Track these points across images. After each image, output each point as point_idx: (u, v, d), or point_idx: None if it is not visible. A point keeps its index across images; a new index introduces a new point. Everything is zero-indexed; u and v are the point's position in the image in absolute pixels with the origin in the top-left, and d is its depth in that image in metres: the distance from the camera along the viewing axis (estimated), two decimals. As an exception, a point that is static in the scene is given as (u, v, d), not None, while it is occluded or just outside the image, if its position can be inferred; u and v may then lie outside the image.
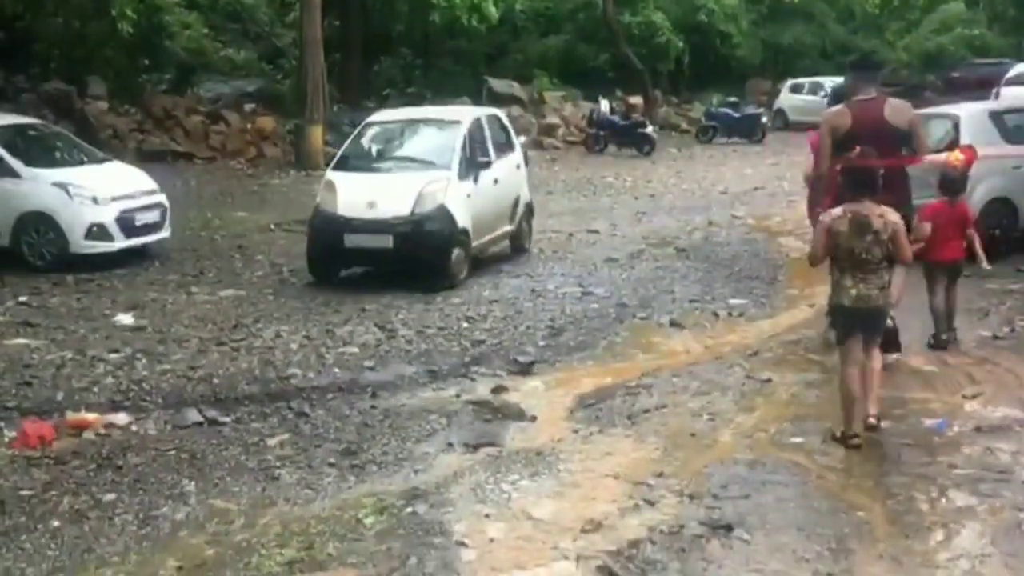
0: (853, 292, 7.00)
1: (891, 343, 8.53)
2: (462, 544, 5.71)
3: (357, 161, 13.69)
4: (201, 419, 7.94)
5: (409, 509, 6.18)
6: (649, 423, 7.71)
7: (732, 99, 36.90)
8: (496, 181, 13.86)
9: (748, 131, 34.29)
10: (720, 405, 8.06)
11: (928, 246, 9.47)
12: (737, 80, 43.96)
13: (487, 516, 6.08)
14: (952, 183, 9.44)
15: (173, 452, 7.29)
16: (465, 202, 12.84)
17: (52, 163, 14.58)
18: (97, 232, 13.67)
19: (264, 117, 28.14)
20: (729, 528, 5.77)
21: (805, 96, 39.68)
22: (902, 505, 6.13)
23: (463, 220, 12.69)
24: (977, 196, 12.59)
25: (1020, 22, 44.26)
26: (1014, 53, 35.97)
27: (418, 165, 13.25)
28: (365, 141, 14.11)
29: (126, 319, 10.98)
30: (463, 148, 13.18)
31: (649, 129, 30.97)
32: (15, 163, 13.87)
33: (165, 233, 14.80)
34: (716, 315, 11.10)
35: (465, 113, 14.91)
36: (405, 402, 8.40)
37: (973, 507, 6.09)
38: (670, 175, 25.39)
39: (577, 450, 7.19)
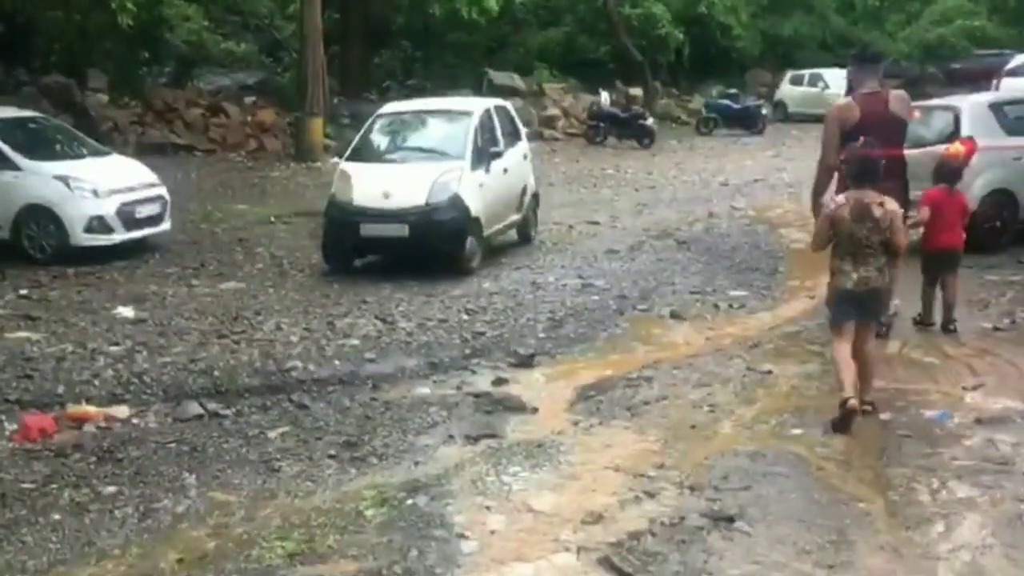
0: (855, 276, 7.22)
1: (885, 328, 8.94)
2: (463, 536, 5.71)
3: (370, 152, 13.89)
4: (202, 412, 7.94)
5: (410, 501, 6.18)
6: (650, 415, 7.72)
7: (732, 91, 36.89)
8: (506, 171, 14.09)
9: (748, 123, 34.25)
10: (721, 397, 8.07)
11: (926, 234, 9.54)
12: (737, 72, 43.96)
13: (488, 508, 6.09)
14: (949, 172, 9.55)
15: (174, 445, 7.29)
16: (478, 191, 13.03)
17: (52, 156, 14.56)
18: (97, 225, 13.66)
19: (264, 109, 28.08)
20: (730, 520, 5.77)
21: (805, 88, 39.69)
22: (903, 496, 6.13)
23: (476, 209, 12.89)
24: (977, 188, 12.60)
25: (1020, 13, 44.27)
26: (1015, 44, 35.92)
27: (431, 155, 13.43)
28: (377, 132, 14.28)
29: (127, 312, 10.97)
30: (475, 138, 13.37)
31: (649, 121, 30.95)
32: (15, 156, 13.84)
33: (166, 226, 14.78)
34: (717, 307, 11.10)
35: (475, 104, 15.04)
36: (406, 394, 8.40)
37: (974, 498, 6.09)
38: (670, 167, 25.37)
39: (578, 442, 7.20)
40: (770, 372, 8.63)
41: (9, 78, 26.30)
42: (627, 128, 30.62)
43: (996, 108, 13.59)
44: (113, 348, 9.57)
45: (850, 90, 9.50)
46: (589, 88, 36.13)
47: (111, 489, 6.51)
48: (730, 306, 11.14)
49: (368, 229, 12.54)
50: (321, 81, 25.11)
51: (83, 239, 13.60)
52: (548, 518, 5.92)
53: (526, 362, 9.21)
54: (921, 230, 9.54)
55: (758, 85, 42.70)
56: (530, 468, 6.74)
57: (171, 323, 10.51)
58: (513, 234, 14.88)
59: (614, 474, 6.56)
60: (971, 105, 13.66)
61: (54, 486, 6.57)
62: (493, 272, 12.88)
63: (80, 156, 14.92)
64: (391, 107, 15.35)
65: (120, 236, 13.87)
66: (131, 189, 14.26)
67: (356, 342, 9.79)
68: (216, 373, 8.84)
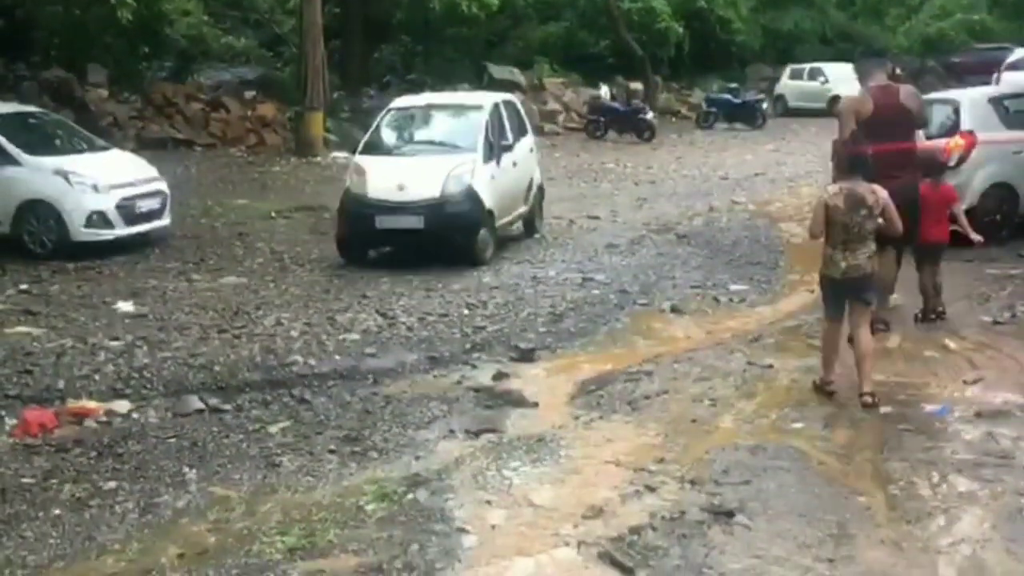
0: (843, 264, 7.51)
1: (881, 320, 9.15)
2: (463, 530, 5.72)
3: (384, 145, 14.13)
4: (202, 406, 7.94)
5: (410, 496, 6.18)
6: (650, 409, 7.72)
7: (732, 85, 36.84)
8: (515, 164, 14.34)
9: (748, 117, 34.26)
10: (721, 391, 8.07)
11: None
12: (737, 66, 43.99)
13: (488, 502, 6.09)
14: (935, 166, 9.85)
15: (174, 439, 7.29)
16: (490, 184, 13.25)
17: (52, 151, 14.54)
18: (97, 220, 13.65)
19: (264, 104, 28.06)
20: (730, 514, 5.77)
21: (805, 82, 39.66)
22: (903, 490, 6.13)
23: (489, 201, 13.12)
24: (977, 181, 12.62)
25: (1020, 7, 44.21)
26: (1014, 38, 35.88)
27: (444, 148, 13.64)
28: (390, 126, 14.50)
29: (127, 307, 10.97)
30: (487, 132, 13.60)
31: (649, 115, 30.95)
32: (15, 151, 13.82)
33: (166, 220, 14.79)
34: (717, 301, 11.10)
35: (485, 98, 15.25)
36: (406, 389, 8.39)
37: (974, 492, 6.10)
38: (670, 161, 25.37)
39: (578, 436, 7.20)
40: (771, 366, 8.63)
41: (9, 73, 26.27)
42: (627, 122, 30.63)
43: (996, 102, 13.59)
44: (113, 343, 9.57)
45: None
46: (589, 82, 36.14)
47: (111, 484, 6.51)
48: (730, 300, 11.14)
49: (383, 221, 12.72)
50: (321, 76, 25.07)
51: (83, 234, 13.59)
52: (548, 512, 5.92)
53: (527, 356, 9.20)
54: None
55: (758, 79, 42.67)
56: (530, 462, 6.74)
57: (171, 318, 10.51)
58: (516, 227, 14.96)
59: (615, 468, 6.56)
60: (971, 99, 13.65)
61: (54, 481, 6.57)
62: (493, 266, 12.88)
63: (80, 151, 14.91)
64: (402, 101, 15.50)
65: (120, 231, 13.86)
66: (131, 184, 14.26)
67: (356, 337, 9.78)
68: (216, 368, 8.83)
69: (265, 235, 15.34)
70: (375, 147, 13.97)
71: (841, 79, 34.28)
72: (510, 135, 14.43)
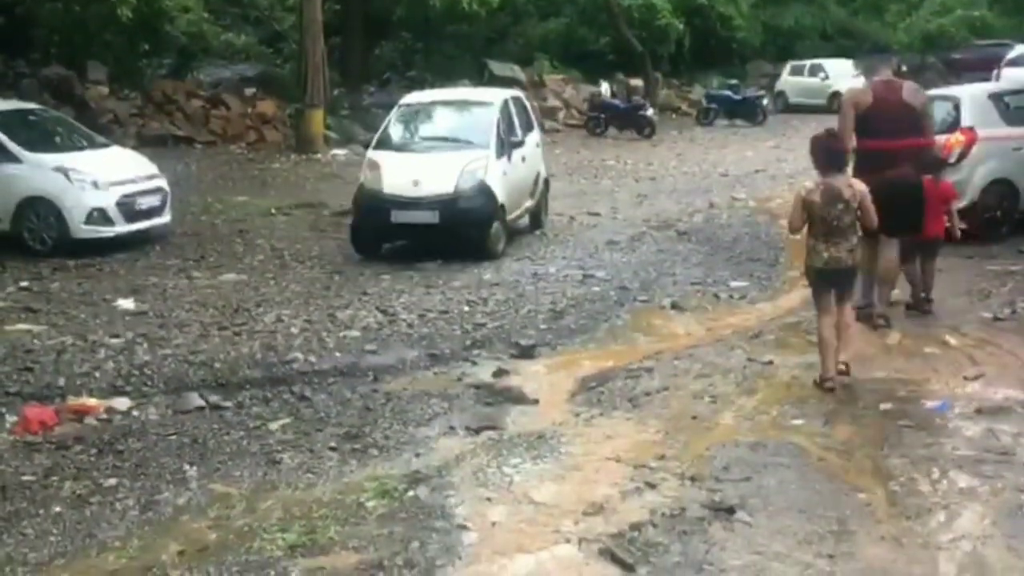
0: (825, 255, 7.75)
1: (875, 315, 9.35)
2: (464, 527, 5.71)
3: (397, 141, 14.27)
4: (202, 404, 7.93)
5: (411, 493, 6.17)
6: (650, 406, 7.71)
7: (733, 81, 36.86)
8: (524, 159, 14.53)
9: (749, 113, 34.24)
10: (721, 387, 8.07)
11: None
12: (738, 62, 43.98)
13: (489, 499, 6.09)
14: (934, 162, 9.84)
15: (174, 437, 7.29)
16: (502, 179, 13.47)
17: (52, 148, 14.56)
18: (98, 217, 13.67)
19: (264, 101, 28.07)
20: (731, 510, 5.77)
21: (806, 78, 39.67)
22: (903, 487, 6.13)
23: (501, 196, 13.31)
24: (978, 178, 12.62)
25: (1020, 3, 44.21)
26: (1015, 34, 35.88)
27: (457, 144, 13.79)
28: (401, 122, 14.64)
29: (127, 304, 10.98)
30: (498, 128, 13.78)
31: (650, 112, 30.96)
32: (16, 148, 13.83)
33: (166, 218, 14.80)
34: (717, 297, 11.10)
35: (495, 95, 15.44)
36: (406, 386, 8.39)
37: (974, 489, 6.09)
38: (671, 157, 25.37)
39: (578, 433, 7.19)
40: (771, 362, 8.63)
41: (9, 70, 26.28)
42: (628, 119, 30.63)
43: (996, 98, 13.58)
44: (114, 340, 9.57)
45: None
46: (589, 79, 36.13)
47: (112, 481, 6.50)
48: (731, 297, 11.14)
49: (398, 216, 12.89)
50: (321, 73, 25.08)
51: (83, 231, 13.60)
52: (549, 509, 5.92)
53: (527, 353, 9.19)
54: None
55: (759, 76, 42.66)
56: (531, 459, 6.74)
57: (172, 315, 10.51)
58: (522, 221, 15.04)
59: (615, 465, 6.56)
60: (971, 95, 13.64)
61: (55, 478, 6.57)
62: (494, 263, 12.88)
63: (80, 148, 14.92)
64: (412, 97, 15.70)
65: (120, 228, 13.88)
66: (131, 181, 14.28)
67: (357, 334, 9.78)
68: (217, 365, 8.84)
69: (265, 232, 15.35)
70: (388, 143, 14.11)
71: (841, 75, 34.36)
72: (519, 131, 14.62)
